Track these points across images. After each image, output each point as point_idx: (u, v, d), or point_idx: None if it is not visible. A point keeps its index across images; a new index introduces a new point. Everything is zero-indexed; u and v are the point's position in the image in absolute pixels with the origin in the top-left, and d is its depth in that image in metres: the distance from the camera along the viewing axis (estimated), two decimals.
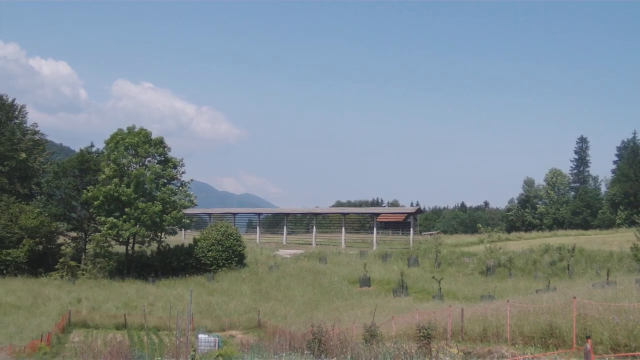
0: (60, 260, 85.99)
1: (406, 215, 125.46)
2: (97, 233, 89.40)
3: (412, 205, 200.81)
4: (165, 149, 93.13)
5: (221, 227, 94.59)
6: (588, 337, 20.62)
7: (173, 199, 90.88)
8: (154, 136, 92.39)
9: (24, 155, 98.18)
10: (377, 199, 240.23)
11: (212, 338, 45.71)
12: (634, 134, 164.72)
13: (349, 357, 21.97)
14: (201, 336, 45.37)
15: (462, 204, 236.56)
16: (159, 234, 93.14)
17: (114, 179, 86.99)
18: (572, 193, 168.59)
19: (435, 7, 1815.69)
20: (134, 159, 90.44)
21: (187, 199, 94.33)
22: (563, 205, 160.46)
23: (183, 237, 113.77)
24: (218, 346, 43.61)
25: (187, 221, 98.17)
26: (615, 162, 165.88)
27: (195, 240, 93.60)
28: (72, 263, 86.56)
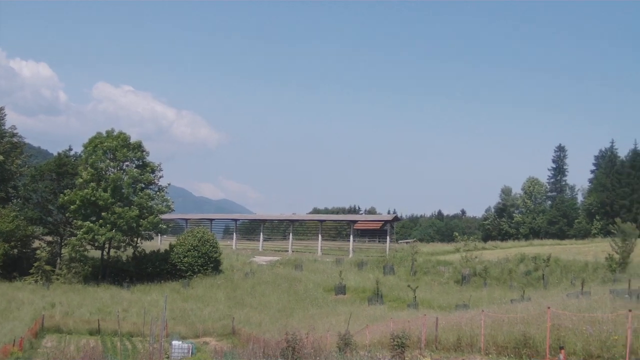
0: (35, 264, 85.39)
1: (383, 223, 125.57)
2: (73, 237, 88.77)
3: (389, 212, 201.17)
4: (144, 153, 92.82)
5: (197, 233, 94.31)
6: (562, 348, 20.69)
7: (150, 203, 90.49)
8: (133, 140, 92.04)
9: (1, 157, 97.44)
10: (354, 206, 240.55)
11: (186, 345, 45.49)
12: (612, 143, 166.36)
13: None
14: (175, 342, 45.12)
15: (439, 212, 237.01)
16: (135, 239, 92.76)
17: (91, 183, 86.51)
18: (549, 202, 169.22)
19: (418, 12, 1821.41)
20: (112, 163, 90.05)
21: (164, 204, 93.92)
22: (539, 214, 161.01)
23: (159, 243, 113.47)
24: (192, 353, 43.44)
25: (164, 226, 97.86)
26: (592, 172, 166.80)
27: (172, 246, 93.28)
28: (47, 267, 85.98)
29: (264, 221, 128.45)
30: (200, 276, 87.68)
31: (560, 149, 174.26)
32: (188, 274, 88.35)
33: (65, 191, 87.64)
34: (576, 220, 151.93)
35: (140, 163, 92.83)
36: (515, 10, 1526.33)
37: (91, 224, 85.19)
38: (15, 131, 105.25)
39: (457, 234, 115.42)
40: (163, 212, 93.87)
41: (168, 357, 16.92)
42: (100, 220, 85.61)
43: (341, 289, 76.15)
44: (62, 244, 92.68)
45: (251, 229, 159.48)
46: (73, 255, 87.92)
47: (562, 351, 19.51)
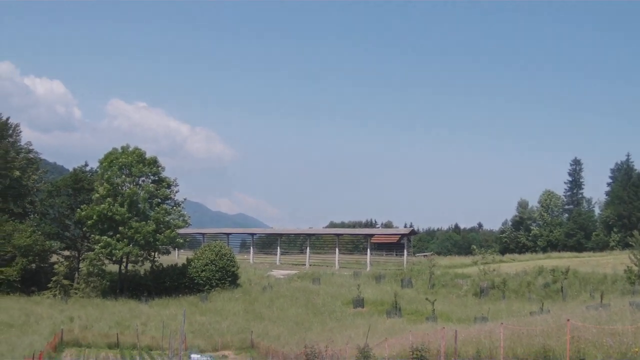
0: (53, 278, 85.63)
1: (400, 236, 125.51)
2: (90, 252, 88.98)
3: (405, 226, 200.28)
4: (159, 168, 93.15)
5: (215, 247, 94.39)
6: None
7: (167, 218, 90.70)
8: (148, 156, 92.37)
9: (17, 173, 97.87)
10: (371, 220, 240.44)
11: (205, 358, 45.64)
12: (628, 156, 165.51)
13: None
14: (194, 356, 45.27)
15: (456, 226, 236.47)
16: (152, 253, 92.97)
17: (108, 198, 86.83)
18: (566, 215, 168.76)
19: (418, 20, 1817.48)
20: (127, 179, 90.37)
21: (181, 218, 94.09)
22: (557, 227, 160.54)
23: (176, 257, 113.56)
24: None
25: (181, 241, 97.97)
26: (608, 185, 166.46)
27: (189, 260, 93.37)
28: (65, 282, 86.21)
29: (280, 235, 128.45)
30: (218, 290, 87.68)
31: (576, 162, 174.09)
32: (206, 287, 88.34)
33: (82, 206, 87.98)
34: (594, 233, 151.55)
35: (156, 178, 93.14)
36: (532, 16, 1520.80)
37: (108, 239, 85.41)
38: (30, 147, 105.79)
39: (474, 247, 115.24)
40: (180, 227, 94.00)
41: None
42: (118, 235, 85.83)
43: (359, 302, 76.08)
44: (80, 258, 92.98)
45: (268, 243, 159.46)
46: (91, 269, 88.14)
47: None
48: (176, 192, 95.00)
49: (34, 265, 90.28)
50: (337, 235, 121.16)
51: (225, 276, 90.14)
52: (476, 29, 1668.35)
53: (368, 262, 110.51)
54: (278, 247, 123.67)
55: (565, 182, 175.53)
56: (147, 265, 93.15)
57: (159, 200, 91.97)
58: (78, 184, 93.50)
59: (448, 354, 31.84)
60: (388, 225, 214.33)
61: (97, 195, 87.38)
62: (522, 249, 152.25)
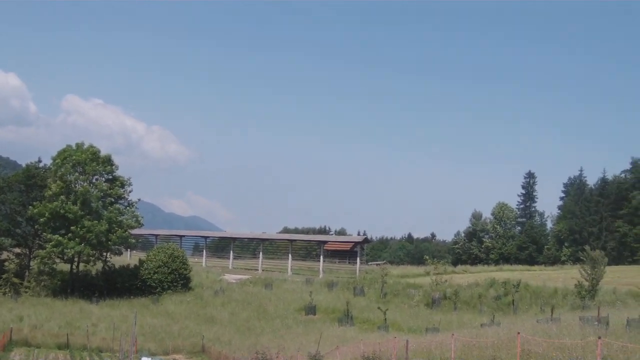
0: (3, 276, 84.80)
1: (353, 244, 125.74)
2: (41, 250, 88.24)
3: (359, 234, 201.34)
4: (113, 167, 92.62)
5: (167, 249, 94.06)
6: None
7: (120, 218, 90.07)
8: (102, 154, 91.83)
9: None
10: (325, 226, 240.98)
11: None
12: (581, 171, 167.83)
13: None
14: (144, 359, 45.03)
15: (409, 235, 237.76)
16: (105, 253, 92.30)
17: (61, 196, 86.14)
18: (519, 228, 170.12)
19: (399, 25, 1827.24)
20: (81, 176, 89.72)
21: (134, 219, 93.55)
22: (509, 240, 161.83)
23: (129, 258, 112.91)
24: None
25: (133, 241, 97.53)
26: (561, 199, 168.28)
27: (141, 262, 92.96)
28: (15, 280, 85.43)
29: (234, 239, 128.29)
30: (170, 292, 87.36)
31: (530, 176, 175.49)
32: (158, 290, 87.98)
33: (34, 203, 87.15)
34: (545, 247, 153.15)
35: (110, 177, 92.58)
36: (485, 23, 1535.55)
37: (60, 238, 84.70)
38: None
39: (427, 257, 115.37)
40: (132, 227, 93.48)
41: None
42: (70, 234, 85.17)
43: (311, 309, 76.13)
44: (31, 256, 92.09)
45: (221, 246, 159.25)
46: (42, 268, 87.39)
47: None
48: (130, 191, 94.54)
49: None
50: (291, 241, 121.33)
51: (178, 279, 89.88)
52: (435, 42, 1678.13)
53: (321, 269, 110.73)
54: (231, 251, 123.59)
55: (518, 195, 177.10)
56: (99, 265, 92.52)
57: (112, 200, 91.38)
58: (31, 180, 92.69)
59: None
60: (342, 232, 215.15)
61: (49, 192, 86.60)
62: (474, 260, 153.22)
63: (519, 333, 25.30)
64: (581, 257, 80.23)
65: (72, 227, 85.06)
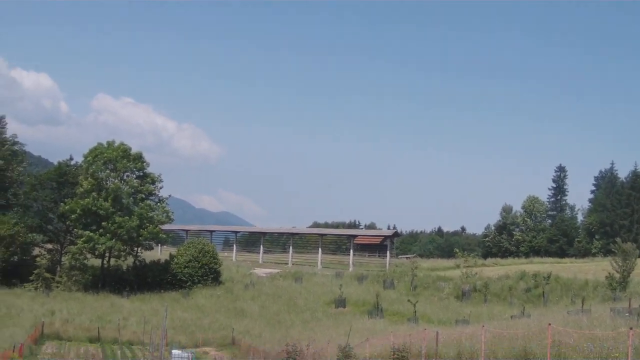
0: (35, 271, 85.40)
1: (383, 238, 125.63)
2: (73, 246, 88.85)
3: (389, 228, 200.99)
4: (144, 164, 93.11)
5: (198, 244, 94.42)
6: None
7: (150, 214, 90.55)
8: (133, 151, 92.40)
9: (1, 162, 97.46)
10: (355, 221, 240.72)
11: (186, 354, 45.56)
12: (612, 164, 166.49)
13: None
14: (175, 351, 45.21)
15: (439, 229, 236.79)
16: (135, 248, 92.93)
17: (92, 193, 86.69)
18: (549, 221, 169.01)
19: (417, 22, 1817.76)
20: (112, 174, 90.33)
21: (165, 214, 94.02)
22: (540, 232, 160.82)
23: (159, 253, 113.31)
24: None
25: (164, 236, 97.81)
26: (592, 192, 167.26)
27: (172, 256, 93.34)
28: (47, 275, 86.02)
29: (264, 234, 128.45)
30: (200, 287, 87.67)
31: (561, 169, 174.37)
32: (188, 284, 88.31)
33: (65, 200, 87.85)
34: (576, 240, 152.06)
35: (141, 174, 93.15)
36: (516, 20, 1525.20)
37: (91, 233, 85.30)
38: (16, 139, 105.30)
39: (457, 250, 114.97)
40: (163, 223, 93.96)
41: None
42: (101, 230, 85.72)
43: (341, 302, 76.15)
44: (63, 252, 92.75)
45: (251, 241, 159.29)
46: (73, 263, 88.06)
47: None
48: (160, 188, 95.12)
49: (16, 258, 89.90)
50: (321, 235, 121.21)
51: (208, 273, 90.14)
52: (462, 38, 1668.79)
53: (351, 262, 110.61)
54: (261, 246, 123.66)
55: (549, 189, 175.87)
56: (130, 260, 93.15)
57: (143, 196, 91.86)
58: (62, 177, 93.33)
59: (429, 355, 31.92)
60: (371, 226, 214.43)
61: (81, 189, 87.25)
62: (504, 253, 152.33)
63: (549, 324, 25.15)
64: (612, 250, 79.88)
65: (103, 223, 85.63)
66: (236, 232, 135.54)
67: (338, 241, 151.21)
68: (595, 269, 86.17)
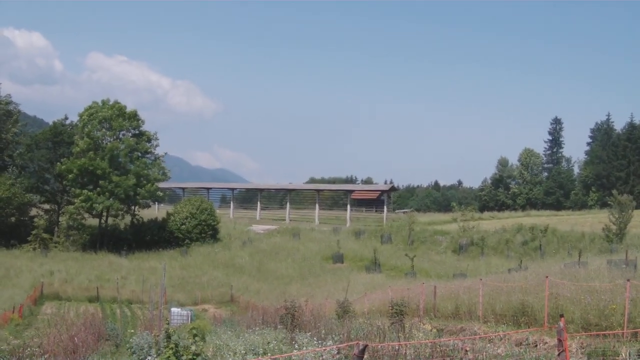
0: (33, 232, 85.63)
1: (380, 192, 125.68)
2: (70, 206, 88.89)
3: (385, 183, 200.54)
4: (140, 122, 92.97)
5: (195, 201, 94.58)
6: (561, 316, 20.81)
7: (147, 172, 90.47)
8: (128, 109, 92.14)
9: None
10: (351, 176, 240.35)
11: (185, 312, 45.70)
12: (608, 116, 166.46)
13: (322, 332, 21.99)
14: (174, 310, 45.33)
15: (436, 183, 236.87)
16: (133, 207, 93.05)
17: (89, 152, 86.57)
18: (545, 174, 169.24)
19: None
20: (108, 132, 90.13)
21: (161, 172, 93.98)
22: (536, 185, 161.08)
23: (156, 211, 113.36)
24: (191, 319, 43.62)
25: (161, 194, 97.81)
26: (588, 144, 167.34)
27: (169, 214, 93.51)
28: (45, 235, 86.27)
29: (261, 190, 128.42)
30: (198, 244, 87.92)
31: (557, 122, 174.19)
32: (186, 242, 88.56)
33: (62, 160, 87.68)
34: (572, 192, 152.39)
35: (137, 132, 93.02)
36: None
37: (89, 193, 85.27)
38: (10, 99, 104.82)
39: (454, 204, 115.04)
40: (160, 181, 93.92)
41: (168, 324, 16.94)
42: (98, 189, 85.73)
43: (339, 258, 76.40)
44: (60, 212, 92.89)
45: (248, 198, 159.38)
46: (71, 223, 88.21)
47: (562, 319, 19.79)
48: (156, 146, 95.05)
49: (13, 219, 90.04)
50: (317, 191, 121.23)
51: (206, 229, 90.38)
52: None
53: (348, 218, 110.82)
54: (258, 202, 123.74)
55: (545, 141, 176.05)
56: (127, 219, 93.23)
57: (139, 154, 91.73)
58: (58, 137, 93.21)
59: (427, 309, 32.07)
60: (368, 181, 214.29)
61: (77, 149, 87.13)
62: (501, 206, 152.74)
63: (547, 277, 25.24)
64: (609, 202, 79.99)
65: (100, 182, 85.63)
66: (233, 189, 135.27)
67: (335, 197, 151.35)
68: (592, 221, 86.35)
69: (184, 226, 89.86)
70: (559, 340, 11.16)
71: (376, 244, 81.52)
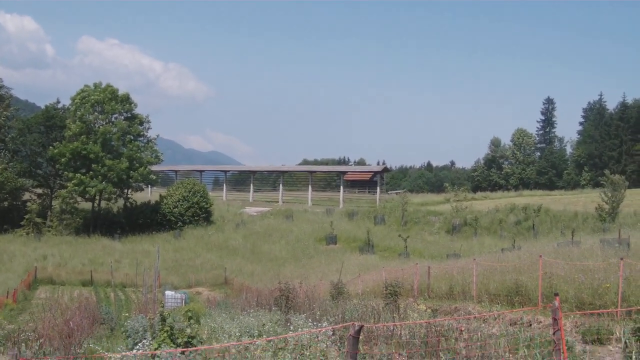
0: (26, 216, 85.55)
1: (373, 174, 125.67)
2: (63, 190, 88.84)
3: (378, 164, 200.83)
4: (132, 105, 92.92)
5: (188, 183, 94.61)
6: (556, 295, 20.84)
7: (139, 155, 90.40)
8: (120, 93, 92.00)
9: None
10: (344, 157, 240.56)
11: (179, 295, 45.76)
12: (600, 95, 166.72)
13: (317, 313, 22.03)
14: (168, 293, 45.40)
15: (429, 163, 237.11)
16: (126, 190, 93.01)
17: (81, 136, 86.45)
18: (538, 154, 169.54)
19: None
20: (100, 116, 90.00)
21: (154, 155, 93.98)
22: (529, 165, 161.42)
23: (149, 194, 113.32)
24: (185, 303, 43.70)
25: (154, 177, 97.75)
26: (581, 124, 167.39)
27: (162, 197, 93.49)
28: (38, 219, 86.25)
29: (253, 172, 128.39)
30: (191, 227, 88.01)
31: (549, 102, 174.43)
32: (179, 224, 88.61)
33: (54, 144, 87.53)
34: (565, 172, 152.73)
35: (129, 115, 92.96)
36: None
37: (82, 176, 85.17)
38: (1, 84, 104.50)
39: (447, 185, 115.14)
40: (152, 164, 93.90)
41: (163, 307, 16.99)
42: (91, 173, 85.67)
43: (332, 239, 76.48)
44: (53, 196, 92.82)
45: (241, 180, 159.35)
46: (64, 207, 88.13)
47: (557, 298, 19.84)
48: (148, 129, 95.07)
49: (6, 204, 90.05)
50: (310, 172, 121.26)
51: (199, 212, 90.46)
52: None
53: (341, 199, 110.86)
54: (251, 185, 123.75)
55: (537, 121, 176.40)
56: (120, 202, 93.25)
57: (132, 137, 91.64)
58: (50, 121, 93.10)
59: (421, 290, 32.12)
60: (361, 162, 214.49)
61: (69, 132, 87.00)
62: (494, 187, 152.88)
63: (540, 256, 25.28)
64: (601, 182, 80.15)
65: (93, 166, 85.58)
66: (226, 172, 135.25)
67: (328, 178, 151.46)
68: (585, 200, 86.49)
69: (176, 209, 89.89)
70: (554, 319, 11.17)
71: (369, 225, 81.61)
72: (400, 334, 16.15)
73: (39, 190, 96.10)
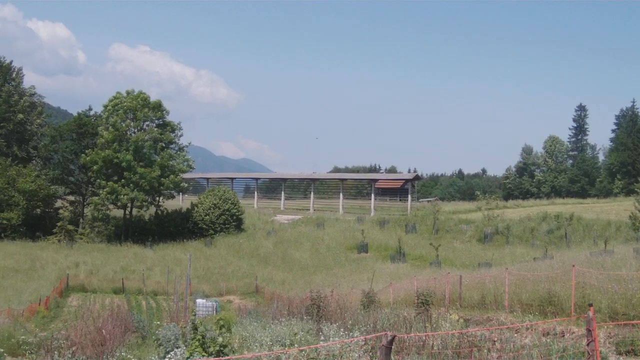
0: (58, 224, 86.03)
1: (404, 181, 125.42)
2: (95, 197, 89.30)
3: (409, 171, 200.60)
4: (164, 112, 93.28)
5: (218, 191, 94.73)
6: (590, 305, 20.65)
7: (171, 163, 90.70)
8: (152, 100, 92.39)
9: (21, 116, 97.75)
10: (375, 165, 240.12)
11: (210, 303, 45.79)
12: (633, 102, 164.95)
13: (348, 322, 21.96)
14: (199, 301, 45.42)
15: (460, 171, 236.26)
16: (157, 198, 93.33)
17: (113, 144, 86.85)
18: (570, 161, 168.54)
19: None
20: (132, 123, 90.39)
21: (185, 163, 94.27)
22: (561, 173, 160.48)
23: (181, 202, 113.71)
24: (216, 311, 43.72)
25: (185, 185, 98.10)
26: (613, 131, 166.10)
27: (193, 205, 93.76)
28: (70, 227, 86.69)
29: (284, 180, 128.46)
30: (222, 235, 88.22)
31: (581, 108, 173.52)
32: (210, 232, 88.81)
33: (86, 151, 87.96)
34: (598, 180, 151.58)
35: (161, 122, 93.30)
36: None
37: (114, 184, 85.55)
38: (34, 91, 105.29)
39: (478, 193, 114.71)
40: (184, 171, 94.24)
41: (194, 315, 16.95)
42: (123, 181, 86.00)
43: (364, 247, 76.31)
44: (85, 203, 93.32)
45: (272, 187, 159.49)
46: (96, 215, 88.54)
47: (591, 308, 19.67)
48: (180, 136, 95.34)
49: (38, 211, 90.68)
50: (342, 180, 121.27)
51: (230, 220, 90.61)
52: None
53: (372, 207, 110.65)
54: (282, 192, 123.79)
55: (570, 128, 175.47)
56: (152, 210, 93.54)
57: (164, 145, 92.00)
58: (82, 128, 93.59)
59: (453, 299, 31.95)
60: (392, 170, 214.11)
61: (102, 140, 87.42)
62: (525, 195, 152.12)
63: (574, 266, 25.06)
64: (634, 189, 79.47)
65: (125, 174, 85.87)
66: (257, 179, 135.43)
67: (359, 186, 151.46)
68: (618, 209, 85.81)
69: (208, 217, 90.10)
70: (588, 330, 11.08)
71: (400, 234, 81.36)
72: (432, 344, 16.07)
73: (71, 198, 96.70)
